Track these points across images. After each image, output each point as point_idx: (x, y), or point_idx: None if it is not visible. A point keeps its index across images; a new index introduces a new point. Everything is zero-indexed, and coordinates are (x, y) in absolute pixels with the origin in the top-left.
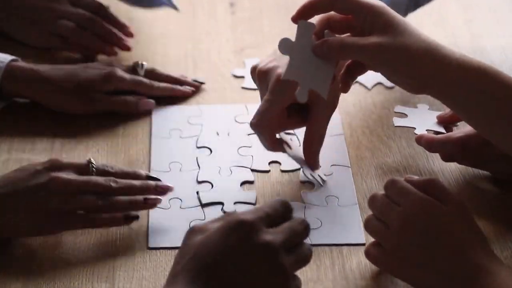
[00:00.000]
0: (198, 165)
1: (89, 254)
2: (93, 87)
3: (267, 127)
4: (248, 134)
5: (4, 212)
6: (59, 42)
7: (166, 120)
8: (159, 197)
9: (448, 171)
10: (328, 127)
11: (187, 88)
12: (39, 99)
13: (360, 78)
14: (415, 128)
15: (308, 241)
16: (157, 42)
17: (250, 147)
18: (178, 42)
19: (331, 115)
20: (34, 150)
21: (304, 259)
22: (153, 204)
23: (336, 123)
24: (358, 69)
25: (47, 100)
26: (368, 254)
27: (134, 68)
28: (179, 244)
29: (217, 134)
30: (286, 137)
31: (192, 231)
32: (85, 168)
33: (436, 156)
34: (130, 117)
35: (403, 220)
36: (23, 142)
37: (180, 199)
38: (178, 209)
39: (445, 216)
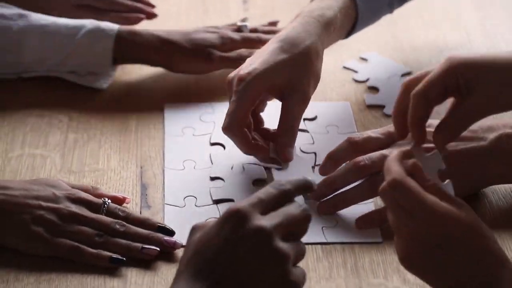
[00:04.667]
0: (212, 162)
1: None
2: (211, 48)
3: (238, 129)
4: None
5: (9, 216)
6: (86, 12)
7: (179, 118)
8: (157, 248)
9: None
10: (341, 124)
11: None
12: (159, 60)
13: (371, 77)
14: (384, 107)
15: (324, 239)
16: None
17: None
18: None
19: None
20: (47, 145)
21: (301, 253)
22: (148, 255)
23: (349, 121)
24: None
25: (166, 61)
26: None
27: (239, 29)
28: None
29: None
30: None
31: (193, 230)
32: (98, 207)
33: None
34: (142, 113)
35: (416, 233)
36: (36, 138)
37: (195, 197)
38: (193, 207)
39: (458, 229)
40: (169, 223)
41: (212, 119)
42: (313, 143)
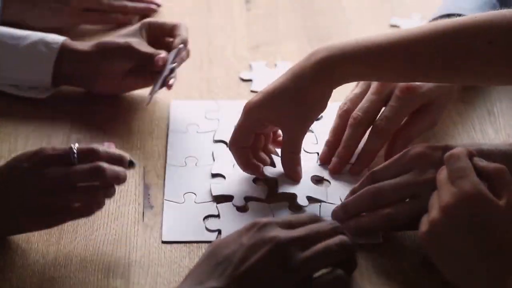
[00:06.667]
0: (214, 160)
1: (104, 250)
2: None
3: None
4: None
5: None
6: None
7: (184, 115)
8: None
9: None
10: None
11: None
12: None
13: None
14: None
15: None
16: None
17: None
18: (193, 38)
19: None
20: (49, 145)
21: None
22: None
23: None
24: None
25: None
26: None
27: None
28: (193, 238)
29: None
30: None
31: (209, 245)
32: (68, 157)
33: None
34: (146, 114)
35: (452, 203)
36: (39, 138)
37: (194, 194)
38: (192, 203)
39: (494, 214)
40: (167, 219)
41: (217, 116)
42: (317, 143)
